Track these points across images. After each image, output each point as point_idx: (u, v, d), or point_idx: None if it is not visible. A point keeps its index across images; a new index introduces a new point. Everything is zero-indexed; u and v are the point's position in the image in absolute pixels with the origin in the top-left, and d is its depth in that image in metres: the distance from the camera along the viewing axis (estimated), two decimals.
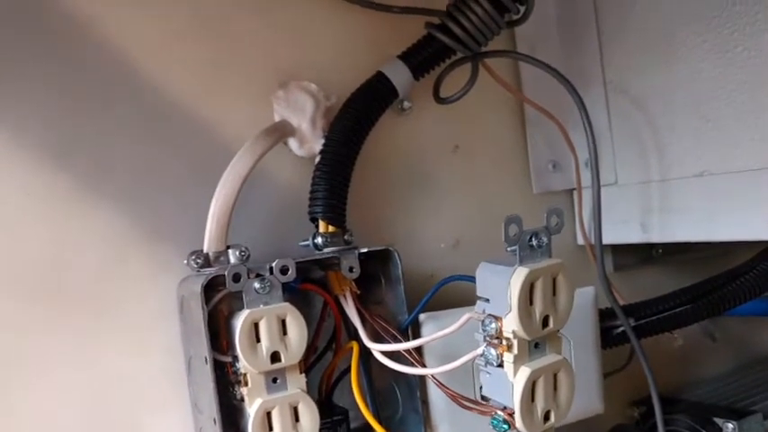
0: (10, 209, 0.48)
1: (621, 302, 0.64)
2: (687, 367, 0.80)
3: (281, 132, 0.56)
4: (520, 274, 0.41)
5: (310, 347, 0.52)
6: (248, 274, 0.47)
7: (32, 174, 0.49)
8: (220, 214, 0.51)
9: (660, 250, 0.76)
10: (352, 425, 0.55)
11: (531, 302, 0.42)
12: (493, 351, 0.43)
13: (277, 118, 0.57)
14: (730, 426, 0.65)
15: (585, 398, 0.59)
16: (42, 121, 0.49)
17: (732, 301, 0.64)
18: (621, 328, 0.63)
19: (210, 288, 0.47)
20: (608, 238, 0.67)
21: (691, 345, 0.79)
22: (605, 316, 0.64)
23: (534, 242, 0.42)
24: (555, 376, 0.44)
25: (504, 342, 0.42)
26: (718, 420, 0.66)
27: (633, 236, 0.67)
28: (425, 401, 0.55)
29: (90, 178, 0.51)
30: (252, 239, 0.53)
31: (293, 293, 0.51)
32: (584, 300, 0.60)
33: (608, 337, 0.64)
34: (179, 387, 0.53)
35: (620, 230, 0.68)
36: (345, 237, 0.55)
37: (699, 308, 0.64)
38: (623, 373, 0.69)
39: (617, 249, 0.74)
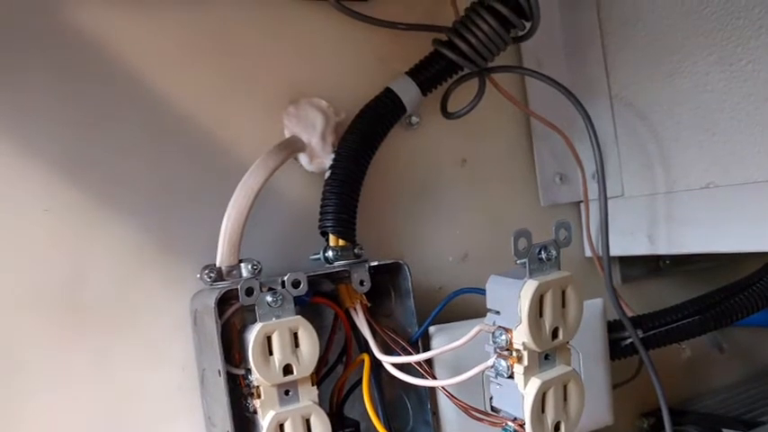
0: (28, 225, 0.49)
1: (630, 314, 0.65)
2: (695, 378, 0.80)
3: (291, 148, 0.56)
4: (530, 287, 0.42)
5: (321, 360, 0.53)
6: (261, 288, 0.47)
7: (49, 190, 0.50)
8: (233, 229, 0.52)
9: (668, 261, 0.77)
10: None
11: (541, 314, 0.43)
12: (503, 362, 0.43)
13: (288, 134, 0.58)
14: None
15: (595, 409, 0.60)
16: (58, 138, 0.50)
17: (740, 312, 0.65)
18: (630, 340, 0.64)
19: (223, 302, 0.48)
20: (615, 250, 0.68)
21: (699, 356, 0.79)
22: (613, 328, 0.64)
23: (543, 255, 0.43)
24: (565, 387, 0.44)
25: (515, 354, 0.43)
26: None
27: (640, 248, 0.67)
28: (436, 413, 0.55)
29: (105, 195, 0.52)
30: (263, 254, 0.54)
31: (304, 306, 0.51)
32: (592, 312, 0.60)
33: (616, 348, 0.64)
34: (192, 400, 0.53)
35: (627, 242, 0.68)
36: (355, 250, 0.55)
37: (707, 319, 0.65)
38: (632, 384, 0.69)
39: (624, 261, 0.75)
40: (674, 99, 0.63)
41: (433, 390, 0.54)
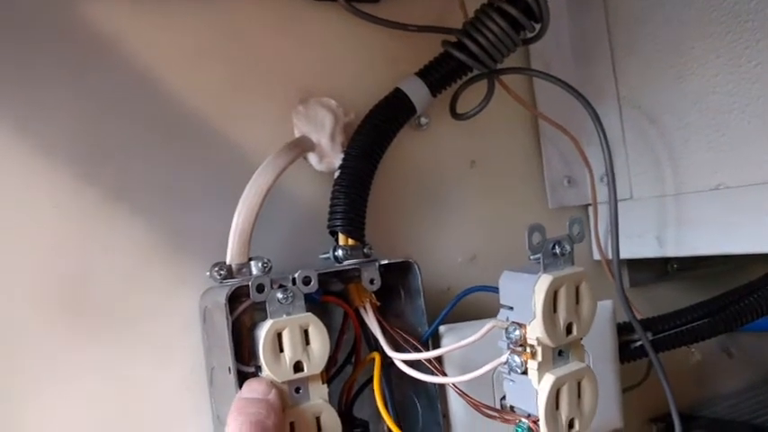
0: (37, 220, 0.49)
1: (639, 317, 0.64)
2: (704, 384, 0.80)
3: (301, 147, 0.56)
4: (544, 281, 0.42)
5: (331, 360, 0.52)
6: (271, 285, 0.47)
7: (60, 188, 0.50)
8: (243, 227, 0.52)
9: (675, 266, 0.77)
10: None
11: (555, 310, 0.42)
12: (517, 358, 0.43)
13: (297, 133, 0.58)
14: None
15: (604, 412, 0.59)
16: (69, 135, 0.50)
17: (749, 314, 0.64)
18: (639, 343, 0.63)
19: (233, 300, 0.48)
20: (624, 253, 0.68)
21: (707, 361, 0.78)
22: (623, 330, 0.64)
23: (557, 250, 0.43)
24: (578, 384, 0.44)
25: (529, 349, 0.42)
26: None
27: (649, 250, 0.67)
28: (446, 415, 0.54)
29: (115, 192, 0.52)
30: (273, 253, 0.53)
31: (314, 307, 0.51)
32: (602, 313, 0.59)
33: (626, 351, 0.64)
34: (201, 399, 0.53)
35: (636, 245, 0.68)
36: (365, 250, 0.55)
37: (716, 322, 0.64)
38: (641, 389, 0.69)
39: (633, 265, 0.75)
40: (682, 101, 0.63)
41: (443, 391, 0.54)
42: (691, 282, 0.78)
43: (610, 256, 0.65)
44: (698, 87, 0.62)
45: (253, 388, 0.45)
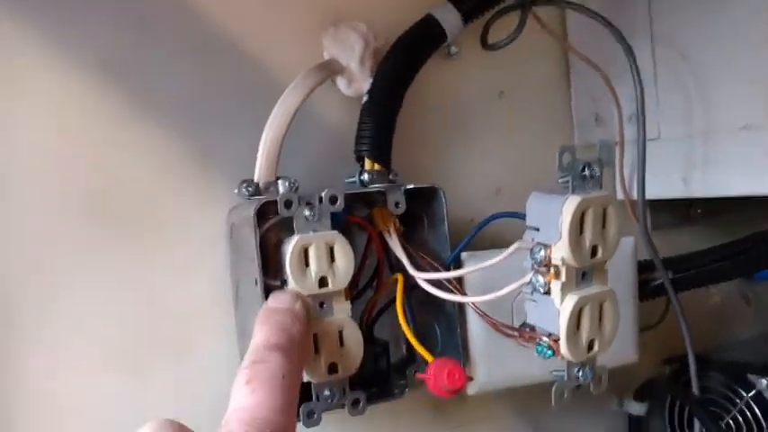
0: (62, 128, 0.50)
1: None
2: (720, 329, 0.80)
3: (330, 70, 0.56)
4: (572, 202, 0.42)
5: (352, 282, 0.53)
6: (299, 202, 0.47)
7: (88, 98, 0.50)
8: (271, 145, 0.52)
9: (699, 210, 0.76)
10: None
11: (581, 232, 0.43)
12: (541, 278, 0.43)
13: (327, 56, 0.57)
14: (764, 381, 0.65)
15: (621, 345, 0.59)
16: (99, 41, 0.51)
17: None
18: (659, 281, 0.63)
19: (259, 218, 0.48)
20: (648, 193, 0.67)
21: (726, 304, 0.79)
22: (643, 268, 0.64)
23: (587, 172, 0.43)
24: (600, 307, 0.44)
25: (552, 269, 0.43)
26: (752, 377, 0.66)
27: (674, 190, 0.66)
28: (465, 339, 0.55)
29: (143, 105, 0.52)
30: (299, 175, 0.53)
31: (339, 228, 0.51)
32: (623, 249, 0.59)
33: (645, 289, 0.64)
34: (225, 314, 0.54)
35: (660, 185, 0.67)
36: (390, 176, 0.55)
37: (738, 264, 0.64)
38: (656, 331, 0.69)
39: (655, 208, 0.74)
40: (717, 38, 0.62)
41: (462, 314, 0.54)
42: (713, 228, 0.77)
43: (634, 197, 0.65)
44: (734, 24, 0.60)
45: (279, 299, 0.46)
